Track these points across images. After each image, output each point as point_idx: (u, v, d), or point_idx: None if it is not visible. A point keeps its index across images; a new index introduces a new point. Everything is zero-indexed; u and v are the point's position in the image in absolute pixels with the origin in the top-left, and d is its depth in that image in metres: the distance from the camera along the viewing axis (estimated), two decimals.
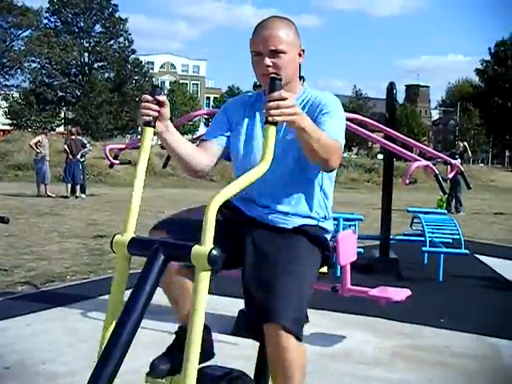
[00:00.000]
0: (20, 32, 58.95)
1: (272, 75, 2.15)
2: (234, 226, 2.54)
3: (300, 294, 2.29)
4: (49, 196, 17.70)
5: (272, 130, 2.01)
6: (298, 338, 2.24)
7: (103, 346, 1.77)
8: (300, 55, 2.61)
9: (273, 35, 2.49)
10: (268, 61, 2.50)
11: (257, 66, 2.56)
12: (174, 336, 2.52)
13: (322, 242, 2.59)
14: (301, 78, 2.73)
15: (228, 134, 2.68)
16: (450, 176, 5.99)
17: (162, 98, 2.21)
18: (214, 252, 1.72)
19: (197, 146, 2.65)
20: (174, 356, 2.35)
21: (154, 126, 2.19)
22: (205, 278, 1.75)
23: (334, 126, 2.46)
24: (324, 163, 2.35)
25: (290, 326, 2.19)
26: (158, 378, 2.29)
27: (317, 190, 2.62)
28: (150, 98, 2.20)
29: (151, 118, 2.18)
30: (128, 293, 1.90)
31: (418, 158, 5.78)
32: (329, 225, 2.68)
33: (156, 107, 2.20)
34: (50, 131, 21.62)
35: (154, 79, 69.09)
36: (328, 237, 2.66)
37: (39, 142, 18.46)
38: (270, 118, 2.02)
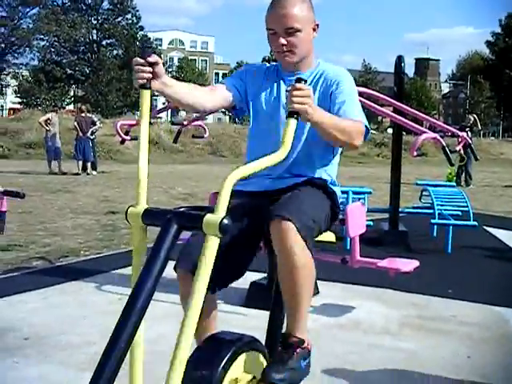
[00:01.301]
0: (28, 10, 58.73)
1: (298, 76, 2.22)
2: (251, 210, 2.59)
3: (310, 210, 2.37)
4: (63, 173, 17.81)
5: (291, 121, 2.13)
6: (306, 241, 2.29)
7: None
8: (314, 30, 2.66)
9: (287, 14, 2.53)
10: (283, 40, 2.57)
11: (272, 43, 2.63)
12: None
13: (329, 193, 2.67)
14: None
15: (240, 90, 2.75)
16: (458, 148, 6.03)
17: (153, 58, 2.21)
18: (225, 221, 1.78)
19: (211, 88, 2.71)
20: None
21: (150, 88, 2.22)
22: (213, 244, 1.81)
23: (352, 105, 2.54)
24: (348, 146, 2.46)
25: (296, 222, 2.25)
26: None
27: (323, 160, 2.71)
28: (141, 60, 2.20)
29: (145, 81, 2.20)
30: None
31: (426, 130, 5.81)
32: (336, 188, 2.76)
33: (149, 68, 2.20)
34: (60, 109, 21.60)
35: (162, 56, 68.73)
36: (335, 198, 2.73)
37: (49, 119, 18.51)
38: (289, 109, 2.13)
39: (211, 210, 1.84)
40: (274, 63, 2.86)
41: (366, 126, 2.54)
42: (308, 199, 2.46)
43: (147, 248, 2.05)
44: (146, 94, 2.19)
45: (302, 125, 2.47)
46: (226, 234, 1.80)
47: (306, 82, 2.17)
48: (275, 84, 2.74)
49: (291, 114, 2.13)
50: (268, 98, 2.73)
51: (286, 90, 2.19)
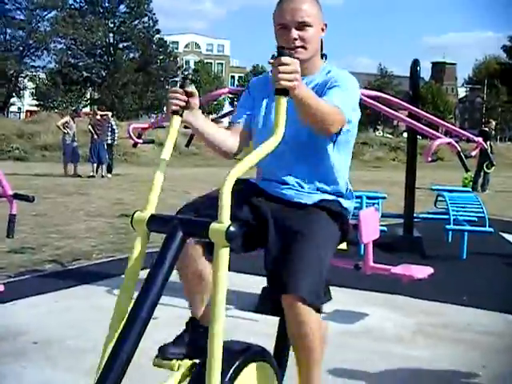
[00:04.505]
0: (45, 13, 59.08)
1: (280, 47, 2.12)
2: (257, 205, 2.54)
3: (317, 266, 2.29)
4: (78, 176, 17.87)
5: (281, 100, 2.02)
6: (317, 309, 2.24)
7: (116, 323, 1.80)
8: (323, 30, 2.61)
9: (299, 8, 2.49)
10: (295, 33, 2.50)
11: (281, 39, 2.54)
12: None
13: (340, 216, 2.58)
14: (323, 55, 2.72)
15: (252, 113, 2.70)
16: (474, 154, 5.96)
17: (191, 89, 2.28)
18: (232, 228, 1.74)
19: (227, 128, 2.69)
20: (181, 343, 2.42)
21: (182, 115, 2.26)
22: (224, 254, 1.78)
23: (337, 94, 2.43)
24: (322, 130, 2.35)
25: (307, 296, 2.19)
26: (165, 360, 2.34)
27: (332, 165, 2.61)
28: (179, 89, 2.27)
29: (178, 108, 2.25)
30: (143, 273, 1.94)
31: (440, 135, 5.75)
32: (348, 203, 2.69)
33: (184, 97, 2.27)
34: (78, 113, 21.65)
35: (178, 59, 68.98)
36: (347, 213, 2.67)
37: (67, 122, 18.60)
38: (276, 86, 2.03)
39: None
40: None
41: (348, 119, 2.44)
42: (318, 248, 2.35)
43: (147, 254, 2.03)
44: (176, 120, 2.24)
45: (310, 133, 2.43)
46: (234, 242, 1.76)
47: (290, 54, 2.07)
48: (272, 95, 2.67)
49: (279, 91, 2.03)
50: (269, 106, 2.63)
51: (269, 62, 2.08)
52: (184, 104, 2.28)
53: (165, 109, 53.71)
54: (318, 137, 2.47)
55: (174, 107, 2.25)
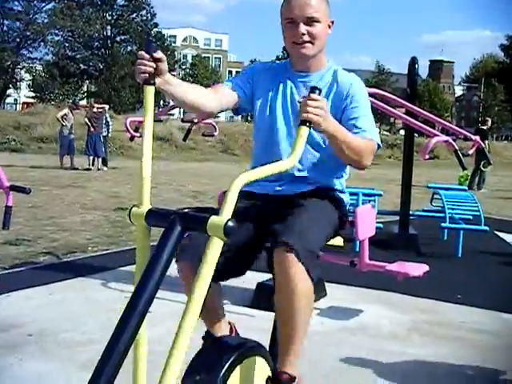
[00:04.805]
0: (43, 5, 59.01)
1: (313, 87, 2.15)
2: (255, 212, 2.55)
3: (314, 233, 2.30)
4: (74, 168, 17.84)
5: (303, 131, 2.09)
6: (308, 270, 2.21)
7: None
8: (329, 26, 2.62)
9: (309, 3, 2.50)
10: (303, 28, 2.51)
11: (289, 34, 2.55)
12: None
13: (338, 201, 2.61)
14: None
15: (246, 90, 2.68)
16: (471, 152, 5.97)
17: (158, 54, 2.15)
18: (230, 223, 1.74)
19: (212, 87, 2.66)
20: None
21: (155, 84, 2.16)
22: (217, 245, 1.77)
23: (367, 122, 2.48)
24: (355, 163, 2.41)
25: (300, 250, 2.17)
26: None
27: (329, 163, 2.62)
28: (145, 55, 2.14)
29: (147, 75, 2.13)
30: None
31: (438, 133, 5.76)
32: (345, 196, 2.70)
33: (152, 64, 2.14)
34: (77, 108, 21.57)
35: (176, 53, 68.85)
36: (345, 204, 2.68)
37: (65, 115, 18.56)
38: (301, 117, 2.09)
39: (216, 211, 1.80)
40: (283, 61, 2.79)
41: (377, 144, 2.50)
42: (314, 219, 2.38)
43: (151, 247, 2.01)
44: (150, 90, 2.12)
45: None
46: (231, 237, 1.76)
47: (320, 91, 2.13)
48: (281, 84, 2.68)
49: (303, 122, 2.09)
50: (273, 98, 2.66)
51: (298, 102, 2.16)
52: (152, 70, 2.13)
53: (161, 103, 53.67)
54: (320, 138, 2.49)
55: (142, 75, 2.11)
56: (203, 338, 2.54)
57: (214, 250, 1.77)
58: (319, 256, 2.37)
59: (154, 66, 2.14)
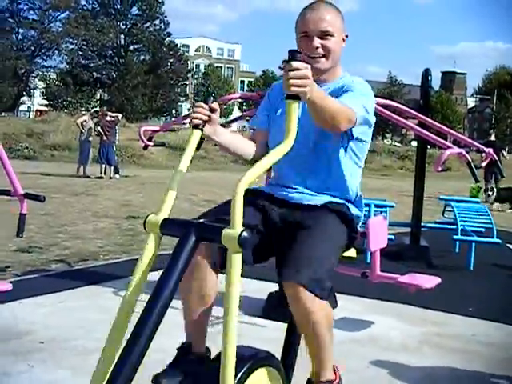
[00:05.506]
0: (58, 14, 59.38)
1: (292, 50, 2.02)
2: (266, 212, 2.56)
3: (321, 259, 2.29)
4: (87, 176, 17.92)
5: (292, 106, 1.98)
6: (319, 297, 2.22)
7: (119, 321, 1.80)
8: (344, 40, 2.64)
9: (323, 17, 2.53)
10: (317, 42, 2.53)
11: (303, 47, 2.53)
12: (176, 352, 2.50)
13: (348, 220, 2.58)
14: None
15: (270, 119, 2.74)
16: (483, 164, 5.95)
17: (215, 105, 2.34)
18: (245, 234, 1.75)
19: (250, 137, 2.76)
20: (175, 374, 2.35)
21: (202, 130, 2.32)
22: (237, 259, 1.78)
23: (350, 98, 2.42)
24: (332, 128, 2.34)
25: (307, 283, 2.18)
26: None
27: (344, 172, 2.62)
28: (203, 104, 2.33)
29: (200, 122, 2.31)
30: (154, 274, 1.94)
31: (451, 145, 5.74)
32: (356, 210, 2.69)
33: (207, 112, 2.32)
34: (97, 117, 21.69)
35: (188, 62, 69.04)
36: (356, 220, 2.67)
37: (85, 121, 18.59)
38: (287, 91, 1.99)
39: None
40: None
41: (363, 118, 2.44)
42: (323, 242, 2.36)
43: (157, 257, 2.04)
44: (196, 134, 2.29)
45: (323, 135, 2.46)
46: (247, 248, 1.77)
47: (300, 53, 2.01)
48: None
49: (290, 96, 1.98)
50: (282, 113, 2.62)
51: (279, 67, 2.15)
52: (206, 118, 2.33)
53: (173, 112, 53.86)
54: (330, 143, 2.50)
55: (195, 121, 2.31)
56: (178, 349, 2.50)
57: (235, 263, 1.79)
58: (330, 278, 2.38)
59: (209, 115, 2.33)
